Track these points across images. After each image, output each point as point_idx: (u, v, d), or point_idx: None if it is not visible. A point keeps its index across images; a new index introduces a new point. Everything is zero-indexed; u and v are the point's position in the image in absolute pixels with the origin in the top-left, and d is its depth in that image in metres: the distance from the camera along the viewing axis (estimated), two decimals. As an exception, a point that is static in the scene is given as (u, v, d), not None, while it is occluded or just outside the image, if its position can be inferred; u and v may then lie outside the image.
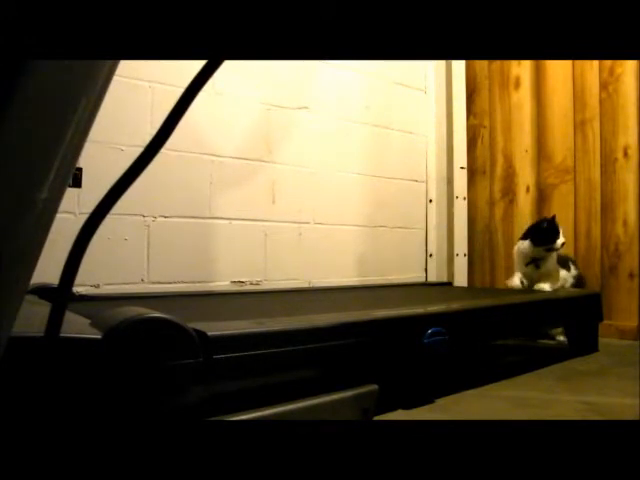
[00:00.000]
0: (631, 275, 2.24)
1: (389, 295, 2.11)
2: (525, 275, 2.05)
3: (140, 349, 0.86)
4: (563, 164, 2.48)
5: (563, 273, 2.08)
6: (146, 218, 1.87)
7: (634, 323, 2.20)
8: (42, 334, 0.52)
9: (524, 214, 2.61)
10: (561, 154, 2.48)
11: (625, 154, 2.27)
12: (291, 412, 0.98)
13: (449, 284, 2.70)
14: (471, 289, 2.66)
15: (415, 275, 2.71)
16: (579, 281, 2.12)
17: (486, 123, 2.78)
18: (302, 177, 2.29)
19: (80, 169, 1.71)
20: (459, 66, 2.82)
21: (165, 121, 0.50)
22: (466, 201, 2.82)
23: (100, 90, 0.47)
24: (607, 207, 2.33)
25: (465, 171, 2.82)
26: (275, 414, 0.95)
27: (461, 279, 2.77)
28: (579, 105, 2.42)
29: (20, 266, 0.47)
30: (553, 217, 2.02)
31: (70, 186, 1.65)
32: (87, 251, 0.50)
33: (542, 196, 2.55)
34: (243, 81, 2.11)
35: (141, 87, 1.87)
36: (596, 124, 2.36)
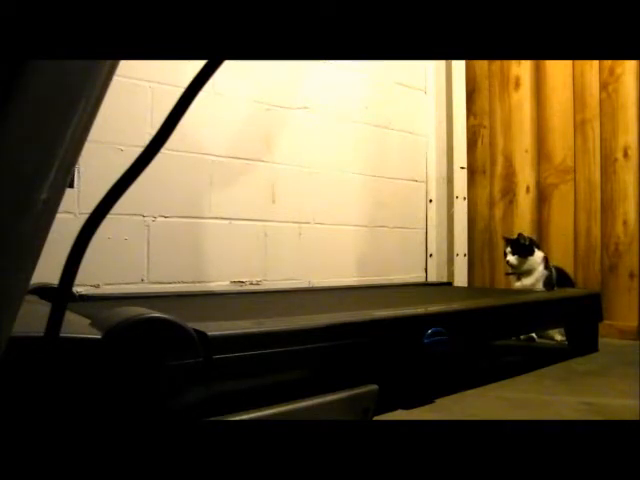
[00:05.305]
0: (631, 275, 2.24)
1: (389, 295, 2.11)
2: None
3: (140, 349, 0.86)
4: (563, 164, 2.48)
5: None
6: (146, 218, 1.87)
7: (634, 323, 2.20)
8: (42, 334, 0.52)
9: (524, 214, 2.61)
10: (561, 154, 2.48)
11: (625, 154, 2.27)
12: (291, 412, 0.98)
13: (449, 284, 2.70)
14: (471, 289, 2.66)
15: (415, 275, 2.71)
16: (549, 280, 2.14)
17: (486, 123, 2.78)
18: (302, 177, 2.29)
19: (74, 170, 1.71)
20: (459, 66, 2.82)
21: (165, 121, 0.50)
22: (466, 201, 2.82)
23: (100, 90, 0.47)
24: (607, 207, 2.33)
25: (465, 171, 2.82)
26: (275, 414, 0.95)
27: (461, 279, 2.77)
28: (579, 105, 2.42)
29: (20, 266, 0.47)
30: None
31: (70, 186, 1.65)
32: (87, 251, 0.50)
33: (542, 196, 2.55)
34: (243, 81, 2.11)
35: (141, 87, 1.86)
36: (596, 124, 2.36)
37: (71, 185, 1.71)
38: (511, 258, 2.14)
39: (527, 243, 2.14)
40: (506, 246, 2.18)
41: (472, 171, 2.83)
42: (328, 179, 2.38)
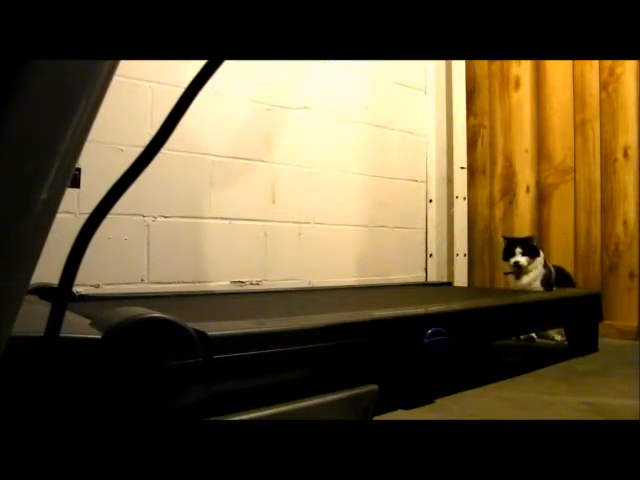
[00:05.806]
0: (631, 275, 2.24)
1: (389, 295, 2.11)
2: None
3: (140, 349, 0.86)
4: (563, 164, 2.48)
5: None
6: (146, 218, 1.87)
7: (634, 323, 2.20)
8: (42, 334, 0.52)
9: (524, 214, 2.61)
10: (561, 154, 2.48)
11: (625, 154, 2.27)
12: (291, 412, 0.98)
13: (449, 284, 2.70)
14: (471, 289, 2.66)
15: (415, 275, 2.71)
16: (548, 279, 2.14)
17: (486, 123, 2.78)
18: (302, 177, 2.29)
19: (79, 169, 1.71)
20: (459, 66, 2.82)
21: (165, 121, 0.50)
22: (466, 201, 2.82)
23: (100, 90, 0.46)
24: (607, 207, 2.33)
25: (465, 171, 2.82)
26: (275, 414, 0.95)
27: (461, 279, 2.77)
28: (579, 105, 2.42)
29: (20, 266, 0.47)
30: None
31: (69, 186, 1.65)
32: (87, 251, 0.50)
33: (542, 196, 2.55)
34: (243, 81, 2.11)
35: (141, 87, 1.86)
36: (596, 124, 2.36)
37: (77, 185, 1.71)
38: (522, 259, 2.11)
39: (535, 244, 2.13)
40: (514, 246, 2.14)
41: (472, 171, 2.83)
42: (328, 179, 2.38)
